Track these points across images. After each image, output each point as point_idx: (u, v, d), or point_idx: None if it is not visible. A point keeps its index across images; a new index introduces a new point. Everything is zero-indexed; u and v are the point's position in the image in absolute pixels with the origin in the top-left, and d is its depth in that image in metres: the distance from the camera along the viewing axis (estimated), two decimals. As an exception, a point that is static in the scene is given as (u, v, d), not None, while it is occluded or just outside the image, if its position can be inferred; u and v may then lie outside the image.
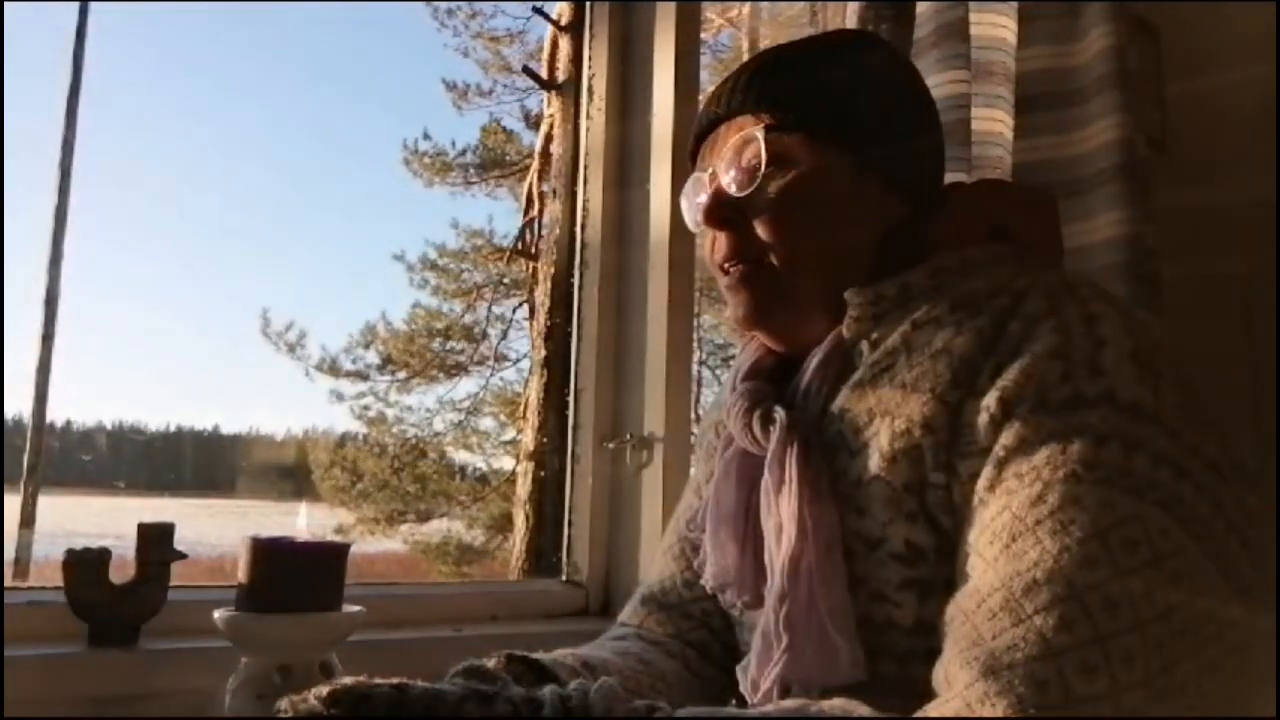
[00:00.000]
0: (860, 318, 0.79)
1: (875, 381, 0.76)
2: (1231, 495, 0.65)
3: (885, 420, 0.73)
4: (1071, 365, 0.67)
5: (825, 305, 0.81)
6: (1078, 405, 0.65)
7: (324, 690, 0.57)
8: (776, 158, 0.81)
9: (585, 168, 1.60)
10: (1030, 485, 0.64)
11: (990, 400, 0.68)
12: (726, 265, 0.85)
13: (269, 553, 0.85)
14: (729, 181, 0.83)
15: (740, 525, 0.82)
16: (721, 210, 0.83)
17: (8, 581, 1.17)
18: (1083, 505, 0.61)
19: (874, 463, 0.73)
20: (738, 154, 0.83)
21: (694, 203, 0.90)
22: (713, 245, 0.87)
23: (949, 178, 1.01)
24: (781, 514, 0.75)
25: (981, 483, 0.67)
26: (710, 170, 0.86)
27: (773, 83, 0.84)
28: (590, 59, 1.62)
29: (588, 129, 1.60)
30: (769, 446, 0.78)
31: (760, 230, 0.82)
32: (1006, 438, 0.67)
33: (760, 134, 0.81)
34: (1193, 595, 0.60)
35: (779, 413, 0.79)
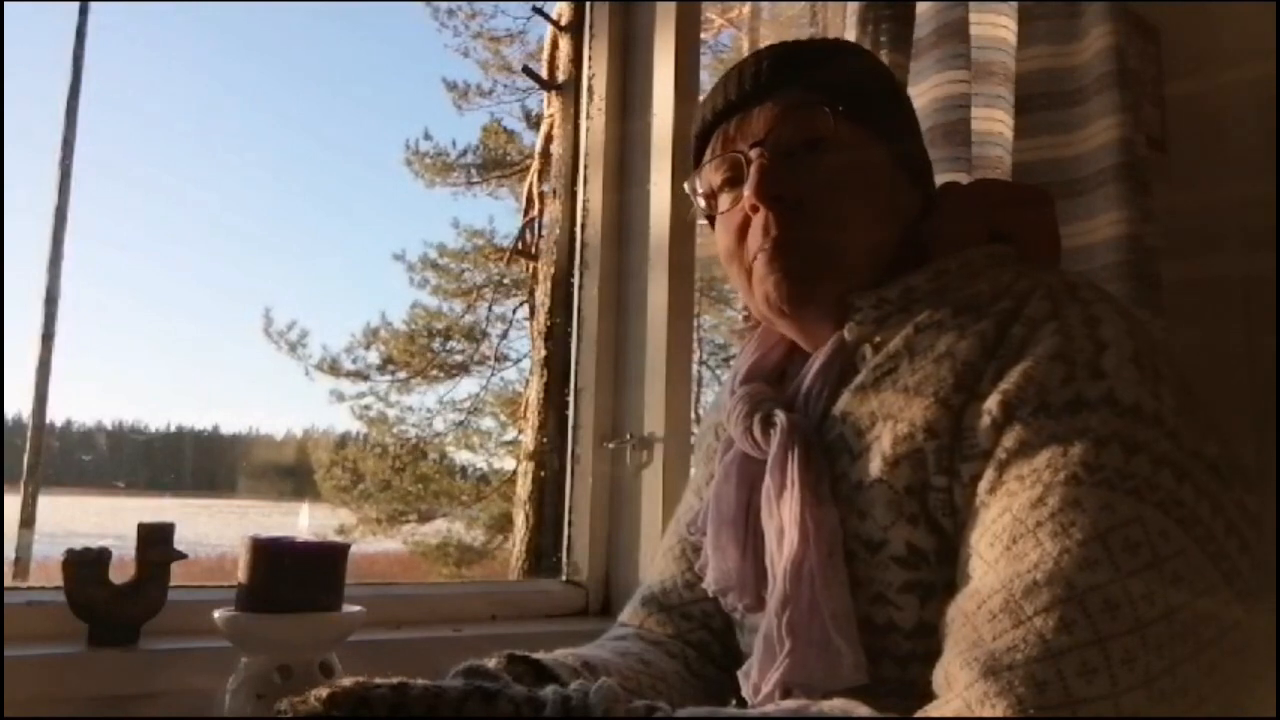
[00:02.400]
0: (863, 321, 0.79)
1: (878, 385, 0.75)
2: (1232, 498, 0.65)
3: (887, 423, 0.73)
4: (1073, 368, 0.67)
5: (844, 302, 0.80)
6: (1079, 408, 0.65)
7: (324, 692, 0.56)
8: (834, 137, 0.80)
9: (585, 168, 1.60)
10: (1031, 487, 0.64)
11: (992, 403, 0.68)
12: (770, 245, 0.80)
13: (269, 553, 0.85)
14: (785, 155, 0.80)
15: (741, 528, 0.81)
16: (774, 186, 0.79)
17: (8, 581, 1.17)
18: (1083, 507, 0.61)
19: (875, 466, 0.73)
20: (795, 129, 0.80)
21: (711, 185, 0.86)
22: (741, 231, 0.83)
23: (949, 178, 1.01)
24: (783, 517, 0.75)
25: (983, 485, 0.67)
26: (748, 148, 0.82)
27: (821, 66, 0.83)
28: (590, 59, 1.62)
29: (588, 129, 1.60)
30: (770, 450, 0.78)
31: (815, 210, 0.79)
32: (1008, 440, 0.67)
33: (828, 109, 0.80)
34: (1193, 597, 0.60)
35: (780, 416, 0.79)
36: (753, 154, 0.81)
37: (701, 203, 0.89)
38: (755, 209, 0.81)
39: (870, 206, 0.81)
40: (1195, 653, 0.59)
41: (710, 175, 0.87)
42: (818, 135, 0.80)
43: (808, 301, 0.81)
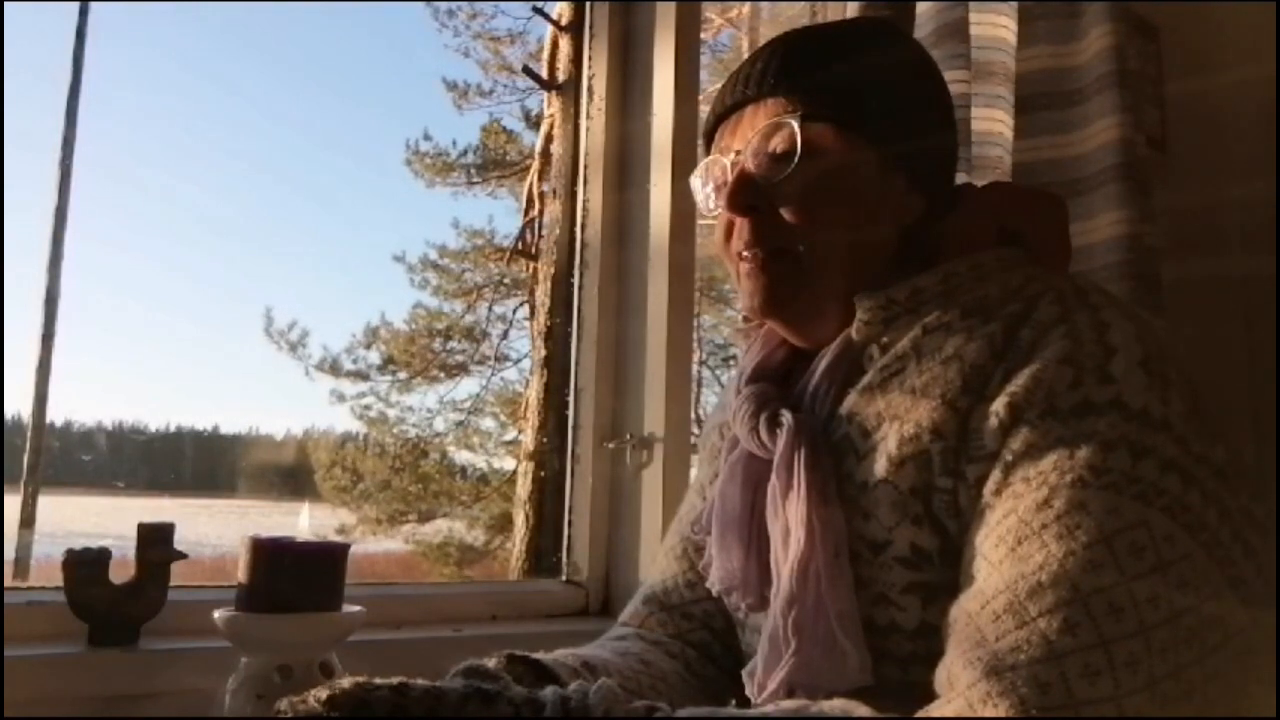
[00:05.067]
0: (870, 321, 0.78)
1: (885, 386, 0.75)
2: (1238, 503, 0.65)
3: (894, 424, 0.73)
4: (1081, 372, 0.67)
5: (840, 302, 0.80)
6: (1087, 412, 0.65)
7: (323, 694, 0.56)
8: (807, 146, 0.79)
9: (585, 168, 1.60)
10: (1037, 489, 0.64)
11: (999, 405, 0.68)
12: (745, 252, 0.83)
13: (269, 553, 0.85)
14: (757, 167, 0.81)
15: (745, 528, 0.81)
16: (747, 196, 0.81)
17: (8, 581, 1.17)
18: (1089, 510, 0.61)
19: (881, 466, 0.73)
20: (767, 139, 0.81)
21: (707, 186, 0.88)
22: (728, 231, 0.85)
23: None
24: (789, 517, 0.75)
25: (988, 486, 0.67)
26: (733, 153, 0.84)
27: (808, 70, 0.82)
28: (590, 59, 1.62)
29: (588, 129, 1.60)
30: (776, 450, 0.78)
31: (787, 219, 0.80)
32: (1014, 442, 0.67)
33: (795, 121, 0.80)
34: (1198, 601, 0.60)
35: (786, 416, 0.78)
36: (737, 159, 0.83)
37: (703, 197, 0.89)
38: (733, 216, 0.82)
39: (849, 214, 0.81)
40: (1199, 657, 0.59)
41: (709, 173, 0.88)
42: (788, 149, 0.80)
43: (783, 307, 0.83)
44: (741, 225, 0.83)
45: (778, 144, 0.81)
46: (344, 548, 0.90)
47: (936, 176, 0.87)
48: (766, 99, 0.83)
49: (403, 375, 6.68)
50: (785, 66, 0.83)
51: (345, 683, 0.57)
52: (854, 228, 0.81)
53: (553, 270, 4.34)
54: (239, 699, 0.82)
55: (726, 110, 0.86)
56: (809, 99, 0.81)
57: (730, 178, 0.83)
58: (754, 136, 0.82)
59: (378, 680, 0.57)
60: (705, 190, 0.89)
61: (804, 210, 0.80)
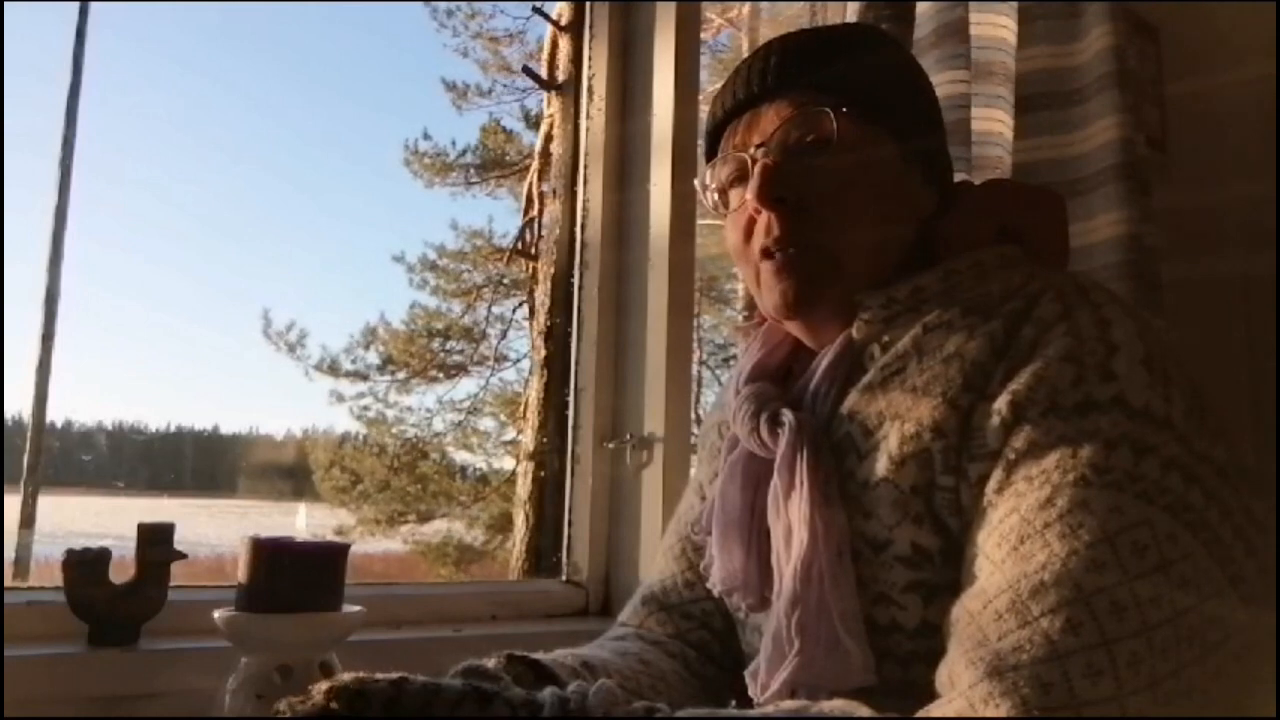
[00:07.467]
0: (871, 320, 0.78)
1: (885, 384, 0.75)
2: (1239, 502, 0.65)
3: (895, 423, 0.73)
4: (1084, 369, 0.67)
5: (853, 301, 0.80)
6: (1089, 409, 0.65)
7: (324, 684, 0.56)
8: (840, 136, 0.79)
9: (585, 168, 1.60)
10: (1040, 488, 0.64)
11: (1001, 403, 0.68)
12: (774, 248, 0.80)
13: (269, 553, 0.85)
14: (785, 158, 0.80)
15: (746, 528, 0.81)
16: (775, 187, 0.79)
17: (8, 581, 1.17)
18: (1092, 509, 0.61)
19: (882, 465, 0.72)
20: (797, 129, 0.80)
21: (713, 187, 0.87)
22: (748, 229, 0.83)
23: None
24: (791, 517, 0.75)
25: (990, 485, 0.67)
26: (752, 148, 0.82)
27: (829, 64, 0.82)
28: (590, 59, 1.62)
29: (588, 129, 1.60)
30: (778, 449, 0.78)
31: (819, 212, 0.79)
32: (1017, 440, 0.66)
33: (830, 111, 0.79)
34: (1200, 601, 0.60)
35: (787, 415, 0.78)
36: (757, 154, 0.81)
37: (712, 199, 0.88)
38: (759, 210, 0.81)
39: (877, 206, 0.80)
40: (1201, 656, 0.59)
41: (720, 172, 0.86)
42: (822, 137, 0.80)
43: (815, 305, 0.81)
44: (770, 220, 0.80)
45: (810, 133, 0.80)
46: (344, 548, 0.90)
47: (945, 173, 0.88)
48: (786, 93, 0.81)
49: (401, 375, 6.68)
50: (805, 61, 0.82)
51: (346, 676, 0.57)
52: (883, 219, 0.81)
53: (553, 270, 4.33)
54: (239, 699, 0.82)
55: (738, 107, 0.84)
56: (835, 92, 0.80)
57: (753, 171, 0.81)
58: (778, 128, 0.80)
59: (378, 675, 0.58)
60: (722, 184, 0.86)
61: (837, 203, 0.79)
